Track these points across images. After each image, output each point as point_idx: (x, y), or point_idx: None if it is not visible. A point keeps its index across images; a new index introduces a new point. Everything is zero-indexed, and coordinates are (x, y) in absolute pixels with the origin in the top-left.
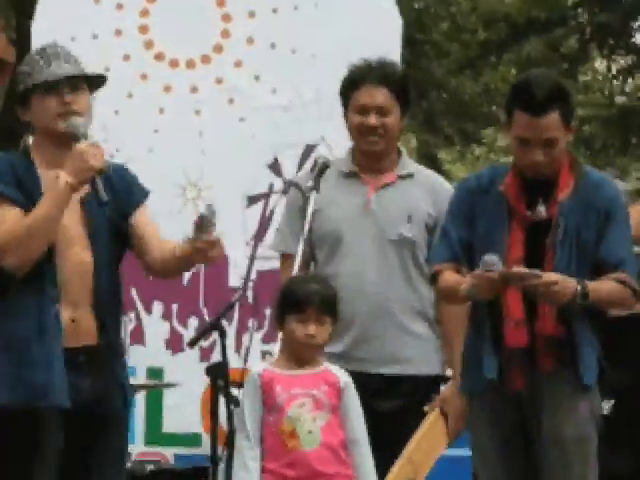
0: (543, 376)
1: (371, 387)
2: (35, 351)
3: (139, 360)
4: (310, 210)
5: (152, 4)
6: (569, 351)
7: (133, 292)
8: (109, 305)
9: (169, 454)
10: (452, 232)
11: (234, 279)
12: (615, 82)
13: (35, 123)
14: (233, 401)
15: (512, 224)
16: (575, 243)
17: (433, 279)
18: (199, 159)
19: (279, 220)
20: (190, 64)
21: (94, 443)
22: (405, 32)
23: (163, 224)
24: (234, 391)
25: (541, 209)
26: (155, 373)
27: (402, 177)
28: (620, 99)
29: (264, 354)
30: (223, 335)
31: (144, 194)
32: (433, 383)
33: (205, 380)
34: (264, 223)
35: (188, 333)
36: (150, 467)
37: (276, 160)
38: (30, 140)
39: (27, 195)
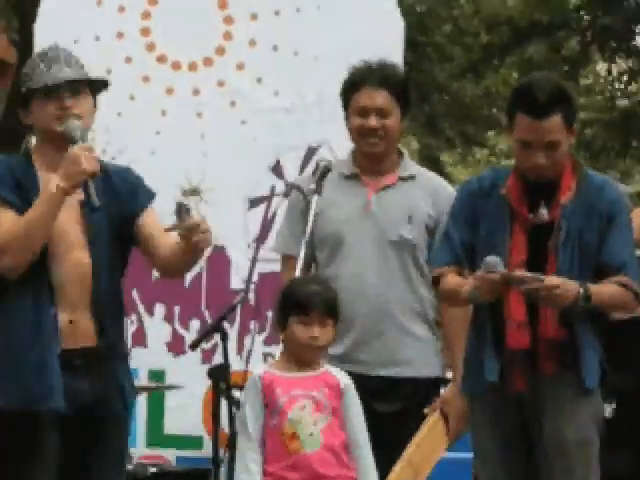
0: (545, 379)
1: (371, 389)
2: (32, 354)
3: (141, 362)
4: (312, 213)
5: (154, 6)
6: (571, 354)
7: (135, 294)
8: (109, 307)
9: (171, 456)
10: (454, 235)
11: (236, 281)
12: (617, 85)
13: (35, 126)
14: (235, 403)
15: (514, 227)
16: (577, 246)
17: (435, 282)
18: (201, 161)
19: (280, 222)
20: (192, 66)
21: (94, 444)
22: (407, 35)
23: (164, 227)
24: (236, 393)
25: (543, 212)
26: (157, 375)
27: (403, 179)
28: (622, 102)
29: (266, 356)
30: (225, 337)
31: (150, 197)
32: (433, 385)
33: (207, 382)
34: (266, 225)
35: (190, 335)
36: (152, 469)
37: (278, 162)
38: (32, 141)
39: (25, 198)
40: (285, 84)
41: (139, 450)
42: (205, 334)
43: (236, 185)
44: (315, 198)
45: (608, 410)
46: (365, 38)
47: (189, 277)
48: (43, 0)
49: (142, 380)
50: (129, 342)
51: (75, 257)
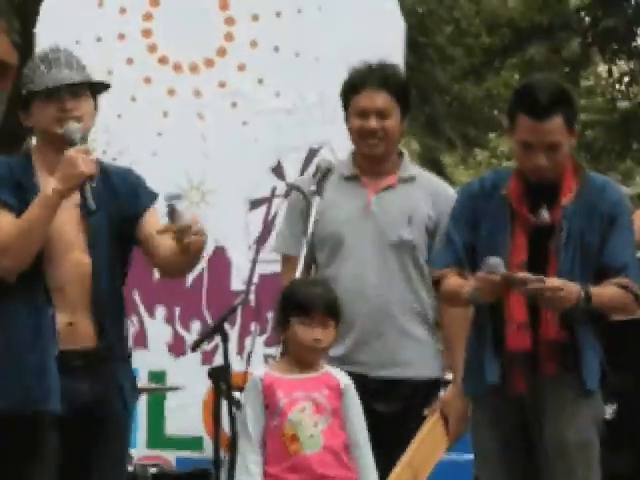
0: (545, 380)
1: (371, 389)
2: (32, 356)
3: (141, 363)
4: (313, 215)
5: (155, 8)
6: (572, 355)
7: (136, 295)
8: (109, 308)
9: (171, 457)
10: (455, 236)
11: (236, 283)
12: (618, 87)
13: (35, 128)
14: (235, 404)
15: (515, 228)
16: (578, 247)
17: (436, 283)
18: (202, 163)
19: (280, 222)
20: (193, 68)
21: (94, 445)
22: (408, 36)
23: None
24: (236, 394)
25: (544, 213)
26: (157, 376)
27: (403, 180)
28: (622, 104)
29: (266, 357)
30: (225, 338)
31: (152, 197)
32: (432, 386)
33: (207, 383)
34: (267, 227)
35: (190, 336)
36: (152, 470)
37: (279, 164)
38: (33, 143)
39: (23, 200)
40: (286, 85)
41: (139, 451)
42: (206, 335)
43: (237, 186)
44: (316, 199)
45: (609, 411)
46: (366, 39)
47: (190, 278)
48: (44, 1)
49: (142, 381)
50: (130, 343)
51: (74, 258)
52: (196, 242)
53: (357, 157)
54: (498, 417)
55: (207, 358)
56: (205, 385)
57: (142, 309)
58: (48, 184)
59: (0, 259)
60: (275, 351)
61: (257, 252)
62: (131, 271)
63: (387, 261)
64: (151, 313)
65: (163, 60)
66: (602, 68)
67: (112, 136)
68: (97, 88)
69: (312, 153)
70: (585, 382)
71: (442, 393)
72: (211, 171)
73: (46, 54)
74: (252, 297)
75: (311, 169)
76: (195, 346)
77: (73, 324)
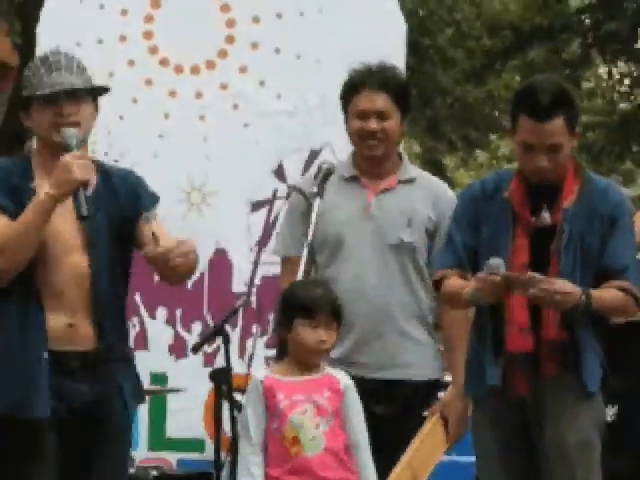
0: (546, 381)
1: (370, 391)
2: (17, 360)
3: (142, 365)
4: (314, 216)
5: (157, 10)
6: (572, 357)
7: (137, 297)
8: (109, 309)
9: (172, 459)
10: (457, 238)
11: (238, 284)
12: (618, 88)
13: (35, 131)
14: (237, 406)
15: (516, 230)
16: (579, 249)
17: (437, 284)
18: (203, 164)
19: (280, 224)
20: (195, 70)
21: (93, 446)
22: (409, 38)
23: (167, 229)
24: (238, 397)
25: (545, 215)
26: (159, 378)
27: (403, 182)
28: (623, 106)
29: (268, 359)
30: (227, 340)
31: (154, 200)
32: (432, 388)
33: (209, 385)
34: (268, 229)
35: (192, 338)
36: (153, 472)
37: (281, 166)
38: (34, 144)
39: (19, 203)
40: (288, 87)
41: (141, 453)
42: (207, 337)
43: (238, 188)
44: (317, 201)
45: (610, 414)
46: (367, 41)
47: (191, 280)
48: (46, 3)
49: (144, 383)
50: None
51: (73, 260)
52: (181, 265)
53: (357, 158)
54: (498, 418)
55: (208, 360)
56: (206, 387)
57: (143, 310)
58: (43, 188)
59: None
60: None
61: (258, 254)
62: (132, 273)
63: (387, 263)
64: (152, 315)
65: (164, 62)
66: (603, 70)
67: (113, 138)
68: (97, 90)
69: (313, 155)
70: (586, 384)
71: (442, 394)
72: (212, 173)
73: (46, 57)
74: (253, 299)
75: (312, 171)
76: (196, 348)
77: (73, 325)
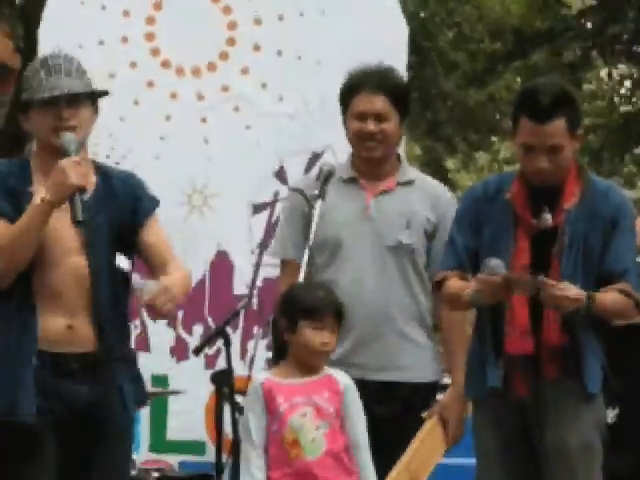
0: (547, 383)
1: (370, 392)
2: (8, 361)
3: (144, 367)
4: (316, 218)
5: (158, 12)
6: (573, 360)
7: None
8: (110, 311)
9: (174, 462)
10: (458, 240)
11: (239, 287)
12: (617, 88)
13: (34, 134)
14: (238, 409)
15: (518, 232)
16: (581, 251)
17: (438, 286)
18: (205, 166)
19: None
20: (196, 71)
21: (93, 447)
22: (411, 40)
23: (168, 232)
24: (239, 399)
25: (547, 217)
26: (160, 380)
27: (402, 183)
28: (624, 108)
29: (269, 361)
30: (228, 342)
31: (154, 204)
32: (431, 390)
33: (210, 387)
34: (269, 231)
35: (193, 340)
36: (155, 475)
37: (282, 168)
38: (34, 147)
39: (17, 207)
40: (289, 89)
41: (142, 455)
42: (208, 339)
43: (240, 190)
44: (319, 203)
45: (610, 416)
46: (369, 43)
47: (192, 282)
48: (47, 4)
49: (145, 385)
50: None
51: (72, 262)
52: (166, 312)
53: (355, 160)
54: (499, 420)
55: (210, 362)
56: (208, 389)
57: (144, 313)
58: (39, 192)
59: None
60: None
61: (260, 256)
62: (133, 276)
63: (386, 264)
64: (153, 318)
65: (166, 64)
66: (604, 72)
67: (115, 140)
68: (97, 94)
69: (315, 157)
70: (586, 386)
71: (440, 396)
72: (214, 175)
73: (46, 59)
74: (255, 301)
75: (312, 172)
76: (198, 350)
77: (72, 327)
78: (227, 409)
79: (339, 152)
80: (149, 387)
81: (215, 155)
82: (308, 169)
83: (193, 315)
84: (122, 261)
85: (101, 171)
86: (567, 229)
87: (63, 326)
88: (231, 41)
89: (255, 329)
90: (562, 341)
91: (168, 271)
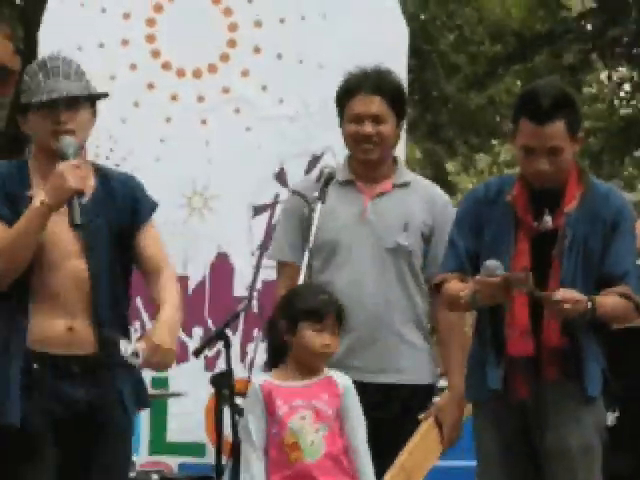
0: (547, 385)
1: (368, 394)
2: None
3: (144, 369)
4: (316, 221)
5: (159, 14)
6: (574, 363)
7: (138, 301)
8: (110, 313)
9: (173, 463)
10: (459, 242)
11: (239, 289)
12: (620, 93)
13: (33, 137)
14: (238, 411)
15: (519, 234)
16: (581, 254)
17: (437, 288)
18: (205, 168)
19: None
20: (197, 73)
21: (93, 451)
22: (411, 43)
23: (169, 234)
24: (239, 401)
25: (547, 219)
26: (160, 382)
27: (398, 186)
28: (624, 110)
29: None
30: (228, 345)
31: (152, 207)
32: (428, 392)
33: (210, 390)
34: (270, 233)
35: (193, 343)
36: (154, 477)
37: (282, 170)
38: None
39: (15, 210)
40: (289, 92)
41: (142, 457)
42: (208, 341)
43: (240, 192)
44: (319, 205)
45: (611, 418)
46: (369, 46)
47: (192, 284)
48: (47, 6)
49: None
50: None
51: (72, 265)
52: (164, 367)
53: (352, 162)
54: (499, 421)
55: (210, 364)
56: (208, 391)
57: (145, 315)
58: (38, 196)
59: None
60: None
61: (260, 258)
62: (133, 278)
63: (384, 266)
64: (153, 318)
65: (166, 66)
66: (604, 75)
67: (115, 142)
68: (96, 96)
69: (315, 159)
70: (587, 389)
71: (437, 399)
72: (214, 177)
73: (45, 62)
74: (255, 303)
75: (311, 174)
76: (198, 352)
77: (73, 330)
78: (227, 411)
79: (339, 154)
80: (149, 389)
81: (215, 157)
82: (308, 171)
83: (193, 317)
84: (124, 345)
85: (100, 173)
86: (567, 232)
87: (63, 328)
88: (232, 43)
89: (255, 331)
90: (562, 343)
91: (161, 285)
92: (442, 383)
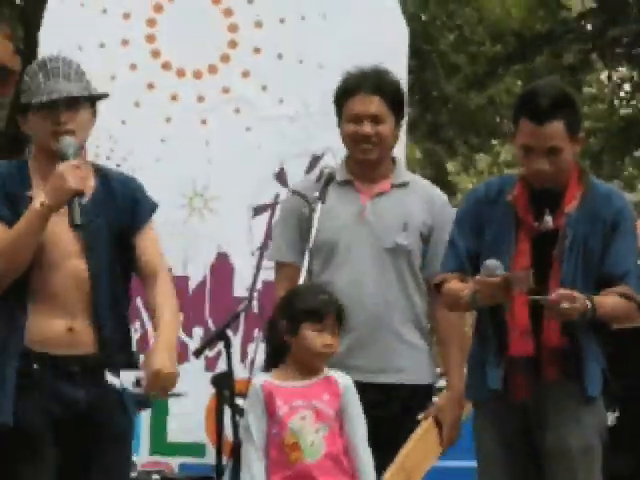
0: (548, 386)
1: (367, 395)
2: None
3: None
4: (316, 221)
5: (159, 14)
6: (574, 363)
7: (138, 301)
8: (110, 313)
9: (174, 464)
10: (459, 242)
11: (239, 289)
12: (621, 93)
13: (33, 137)
14: (238, 411)
15: (519, 234)
16: (582, 254)
17: (437, 288)
18: (205, 169)
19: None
20: (197, 74)
21: (93, 448)
22: (411, 43)
23: (169, 234)
24: (239, 401)
25: (548, 219)
26: None
27: (397, 186)
28: (624, 110)
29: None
30: (228, 345)
31: (151, 208)
32: (428, 392)
33: (210, 390)
34: (270, 233)
35: (193, 343)
36: (155, 477)
37: (282, 170)
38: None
39: (15, 210)
40: (290, 92)
41: (142, 458)
42: (209, 342)
43: (240, 192)
44: (319, 206)
45: (611, 418)
46: (370, 46)
47: (193, 285)
48: (47, 7)
49: None
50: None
51: (72, 265)
52: (164, 392)
53: (350, 162)
54: (500, 421)
55: (210, 364)
56: (208, 391)
57: (145, 316)
58: (38, 197)
59: None
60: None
61: (260, 258)
62: (133, 278)
63: (383, 266)
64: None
65: (166, 66)
66: (604, 75)
67: (115, 142)
68: (96, 96)
69: (315, 159)
70: (587, 389)
71: (436, 398)
72: (214, 177)
73: (44, 62)
74: (255, 303)
75: (311, 174)
76: (198, 352)
77: (73, 330)
78: (227, 411)
79: (339, 155)
80: None
81: (215, 157)
82: (308, 171)
83: (193, 317)
84: (126, 376)
85: (101, 174)
86: (568, 232)
87: (63, 328)
88: (232, 43)
89: (256, 332)
90: (562, 343)
91: (157, 291)
92: (441, 383)
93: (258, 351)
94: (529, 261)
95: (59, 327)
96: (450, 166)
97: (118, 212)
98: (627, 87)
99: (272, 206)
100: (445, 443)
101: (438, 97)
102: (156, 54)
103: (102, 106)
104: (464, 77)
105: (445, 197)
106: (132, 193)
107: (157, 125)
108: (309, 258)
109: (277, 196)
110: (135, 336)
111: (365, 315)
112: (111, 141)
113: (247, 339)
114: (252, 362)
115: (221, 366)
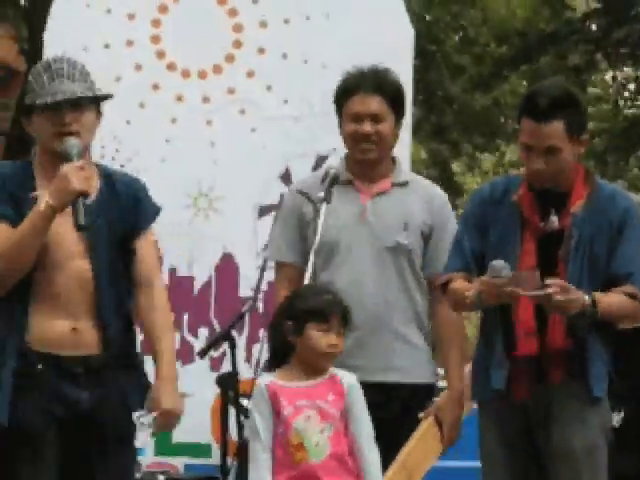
0: (552, 386)
1: (367, 395)
2: None
3: (149, 370)
4: (321, 222)
5: (164, 14)
6: (579, 364)
7: None
8: (114, 314)
9: (179, 464)
10: (465, 242)
11: (245, 289)
12: (625, 93)
13: (37, 138)
14: (243, 412)
15: (524, 234)
16: (587, 255)
17: (443, 288)
18: (211, 169)
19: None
20: (202, 74)
21: (97, 448)
22: (416, 43)
23: (174, 234)
24: (244, 402)
25: (553, 219)
26: None
27: (397, 185)
28: (629, 111)
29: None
30: (233, 345)
31: (154, 211)
32: (428, 391)
33: (215, 390)
34: None
35: (198, 343)
36: (160, 477)
37: (287, 170)
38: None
39: (19, 211)
40: (294, 92)
41: (147, 458)
42: (214, 342)
43: (245, 193)
44: (324, 206)
45: (616, 419)
46: (374, 46)
47: (198, 285)
48: (52, 8)
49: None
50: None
51: (76, 266)
52: (171, 428)
53: (350, 162)
54: (503, 421)
55: (215, 365)
56: (213, 392)
57: None
58: (42, 198)
59: None
60: None
61: (265, 259)
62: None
63: (384, 266)
64: None
65: (171, 66)
66: (609, 75)
67: (120, 143)
68: (100, 97)
69: (320, 160)
70: (592, 390)
71: (436, 398)
72: (219, 178)
73: (49, 63)
74: (260, 304)
75: (315, 174)
76: (203, 353)
77: (77, 330)
78: (232, 412)
79: (344, 155)
80: None
81: (221, 158)
82: (314, 171)
83: (198, 318)
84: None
85: (105, 174)
86: (574, 232)
87: (67, 329)
88: (237, 44)
89: (261, 332)
90: (567, 344)
91: (154, 304)
92: (442, 383)
93: (263, 351)
94: (535, 261)
95: (63, 327)
96: (455, 166)
97: (121, 213)
98: (632, 87)
99: (277, 206)
100: (445, 442)
101: (443, 98)
102: (161, 55)
103: (107, 107)
104: (469, 78)
105: (445, 197)
106: (135, 193)
107: (162, 126)
108: (306, 258)
109: (282, 196)
110: (139, 337)
111: (365, 315)
112: (116, 142)
113: (252, 339)
114: (257, 362)
115: (226, 366)
